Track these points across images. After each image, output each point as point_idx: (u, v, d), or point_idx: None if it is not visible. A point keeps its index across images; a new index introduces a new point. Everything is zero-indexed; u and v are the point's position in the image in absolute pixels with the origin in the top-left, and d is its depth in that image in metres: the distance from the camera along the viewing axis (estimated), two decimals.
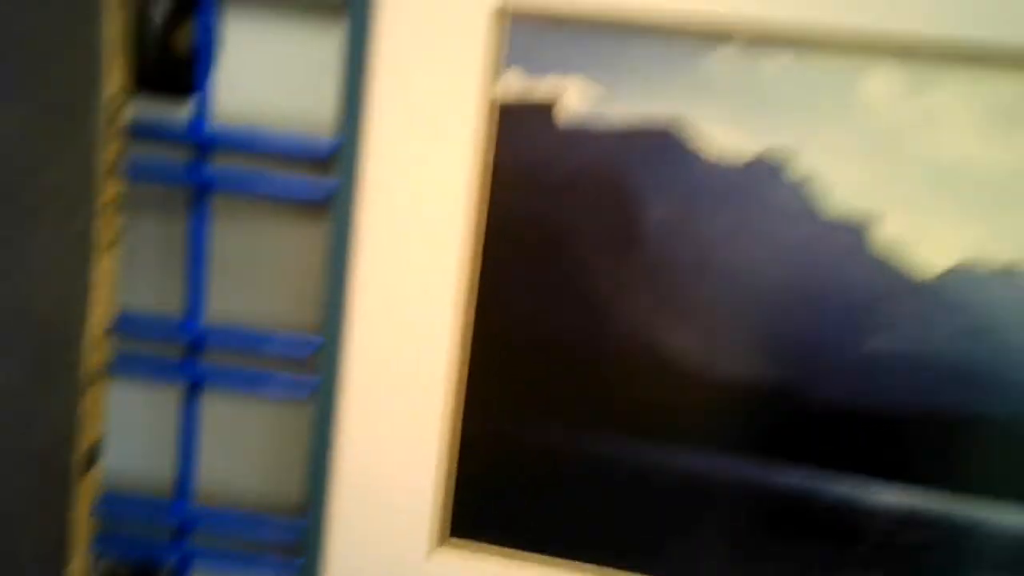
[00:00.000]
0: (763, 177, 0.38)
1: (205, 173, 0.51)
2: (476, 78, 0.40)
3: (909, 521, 0.39)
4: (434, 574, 0.43)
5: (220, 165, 0.52)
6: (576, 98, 0.39)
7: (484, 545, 0.43)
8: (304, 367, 0.52)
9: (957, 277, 0.37)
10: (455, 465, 0.43)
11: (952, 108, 0.36)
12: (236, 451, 0.55)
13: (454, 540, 0.43)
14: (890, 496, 0.39)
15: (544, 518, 0.42)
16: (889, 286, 0.38)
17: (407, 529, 0.43)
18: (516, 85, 0.40)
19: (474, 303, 0.41)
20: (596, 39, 0.39)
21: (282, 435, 0.55)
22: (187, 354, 0.53)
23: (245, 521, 0.54)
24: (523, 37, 0.39)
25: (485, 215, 0.41)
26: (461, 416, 0.42)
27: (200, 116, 0.51)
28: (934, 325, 0.38)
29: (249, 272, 0.53)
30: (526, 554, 0.43)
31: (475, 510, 0.43)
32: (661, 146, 0.39)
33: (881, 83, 0.37)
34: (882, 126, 0.37)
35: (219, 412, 0.55)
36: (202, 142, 0.51)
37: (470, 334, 0.42)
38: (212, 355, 0.53)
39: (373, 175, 0.42)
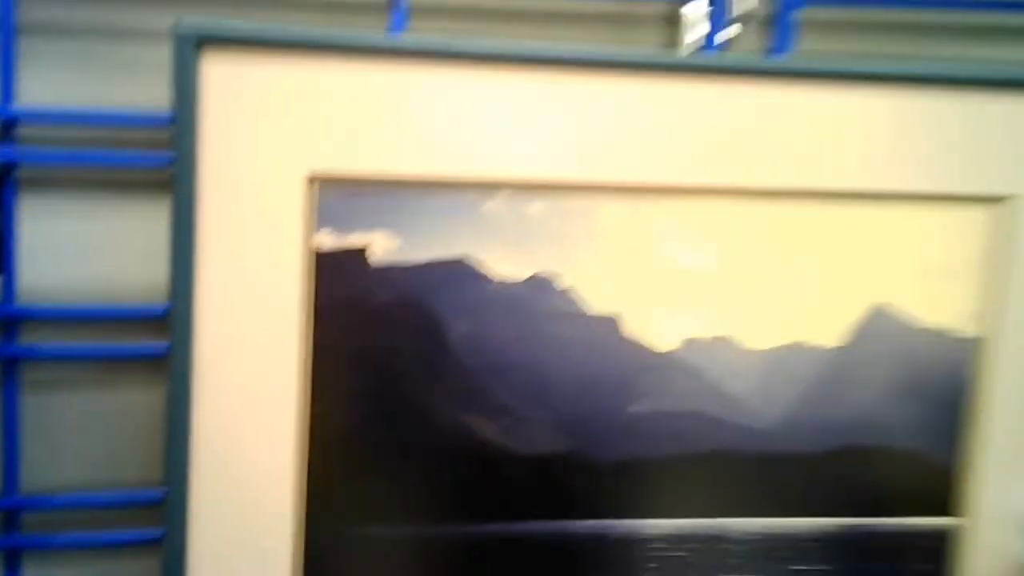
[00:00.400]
0: (538, 290, 0.50)
1: (13, 348, 0.55)
2: (295, 233, 0.48)
3: (677, 539, 0.51)
4: None
5: (33, 339, 0.56)
6: (381, 248, 0.49)
7: None
8: (144, 519, 0.56)
9: (687, 349, 0.51)
10: None
11: (668, 228, 0.50)
12: None
13: None
14: (661, 524, 0.51)
15: None
16: (639, 362, 0.50)
17: None
18: (328, 242, 0.48)
19: (309, 429, 0.49)
20: (394, 196, 0.49)
21: None
22: (5, 525, 0.55)
23: None
24: (331, 200, 0.48)
25: (313, 349, 0.49)
26: (304, 541, 0.49)
27: (7, 294, 0.55)
28: (675, 388, 0.51)
29: (95, 431, 0.57)
30: None
31: None
32: (456, 273, 0.49)
33: (612, 215, 0.50)
34: (618, 245, 0.50)
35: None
36: (10, 318, 0.55)
37: (306, 459, 0.49)
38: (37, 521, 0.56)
39: (206, 327, 0.48)
